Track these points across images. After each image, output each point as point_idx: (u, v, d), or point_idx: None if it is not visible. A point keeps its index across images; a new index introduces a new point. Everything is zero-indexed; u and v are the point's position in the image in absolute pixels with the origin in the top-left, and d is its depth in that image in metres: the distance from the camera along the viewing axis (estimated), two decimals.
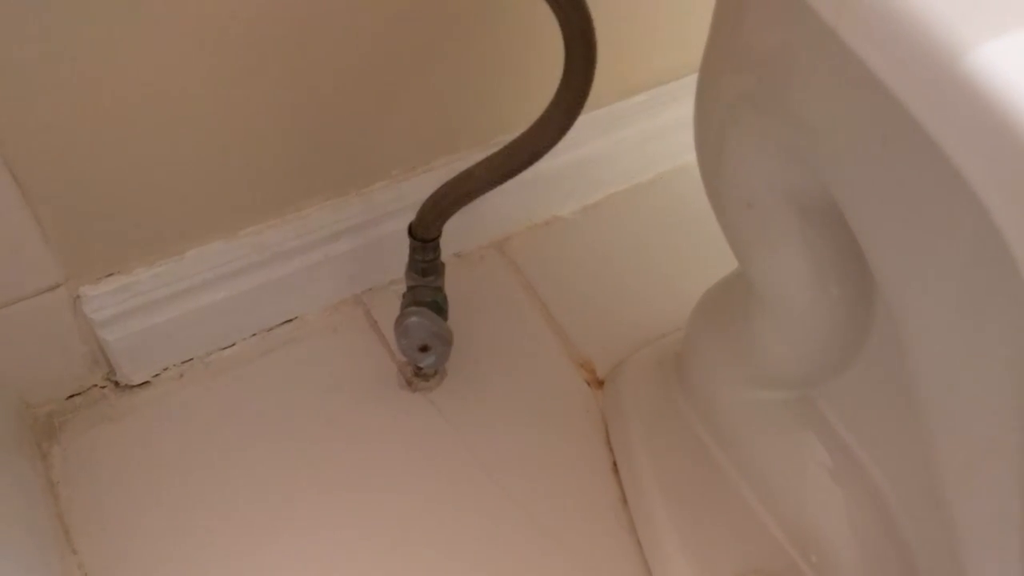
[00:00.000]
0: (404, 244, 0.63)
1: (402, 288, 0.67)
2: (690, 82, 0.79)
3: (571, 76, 0.50)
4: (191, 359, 0.71)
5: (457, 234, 0.72)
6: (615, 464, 0.68)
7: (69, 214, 0.58)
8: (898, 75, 0.25)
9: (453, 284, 0.68)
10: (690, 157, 0.83)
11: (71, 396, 0.69)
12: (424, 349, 0.66)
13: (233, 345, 0.72)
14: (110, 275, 0.63)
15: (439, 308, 0.64)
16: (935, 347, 0.39)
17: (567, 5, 0.47)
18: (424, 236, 0.61)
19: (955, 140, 0.24)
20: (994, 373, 0.36)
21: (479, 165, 0.56)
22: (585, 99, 0.51)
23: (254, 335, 0.73)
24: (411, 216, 0.62)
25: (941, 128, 0.25)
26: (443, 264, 0.64)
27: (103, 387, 0.69)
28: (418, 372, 0.70)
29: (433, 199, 0.59)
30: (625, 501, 0.66)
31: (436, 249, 0.62)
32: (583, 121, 0.54)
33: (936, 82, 0.24)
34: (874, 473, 0.55)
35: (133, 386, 0.70)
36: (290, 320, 0.74)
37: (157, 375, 0.70)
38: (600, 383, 0.73)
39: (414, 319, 0.63)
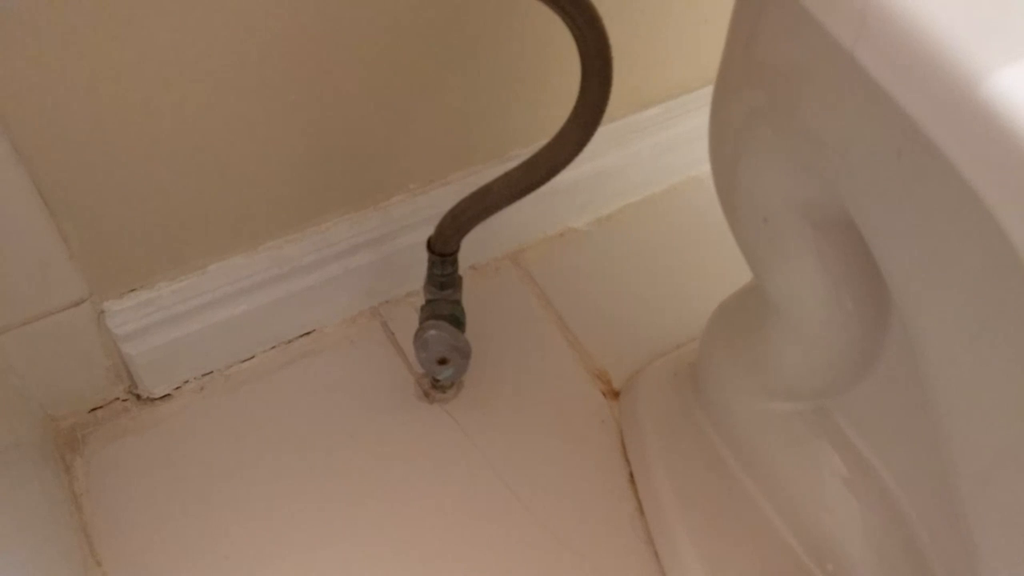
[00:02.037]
0: (421, 257, 0.64)
1: (419, 300, 0.67)
2: (703, 95, 0.81)
3: (588, 92, 0.51)
4: (211, 372, 0.72)
5: (472, 247, 0.73)
6: (632, 474, 0.69)
7: (94, 231, 0.59)
8: (915, 98, 0.26)
9: (469, 296, 0.68)
10: (703, 169, 0.84)
11: (94, 409, 0.70)
12: (443, 362, 0.66)
13: (253, 358, 0.73)
14: (133, 290, 0.64)
15: (457, 321, 0.65)
16: (950, 358, 0.39)
17: (583, 23, 0.48)
18: (443, 250, 0.62)
19: (971, 161, 0.25)
20: (1009, 383, 0.37)
21: (497, 180, 0.57)
22: (602, 115, 0.52)
23: (273, 348, 0.74)
24: (428, 229, 0.63)
25: (958, 150, 0.25)
26: (461, 277, 0.65)
27: (125, 400, 0.70)
28: (435, 384, 0.71)
29: (452, 214, 0.60)
30: (642, 511, 0.67)
31: (454, 263, 0.63)
32: (597, 133, 0.54)
33: (953, 106, 0.24)
34: (889, 483, 0.55)
35: (154, 399, 0.71)
36: (308, 333, 0.75)
37: (178, 388, 0.71)
38: (616, 394, 0.73)
39: (433, 332, 0.64)
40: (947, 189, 0.31)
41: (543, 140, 0.55)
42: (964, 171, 0.25)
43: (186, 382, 0.71)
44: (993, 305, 0.34)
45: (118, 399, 0.70)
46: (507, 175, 0.56)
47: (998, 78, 0.23)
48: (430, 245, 0.62)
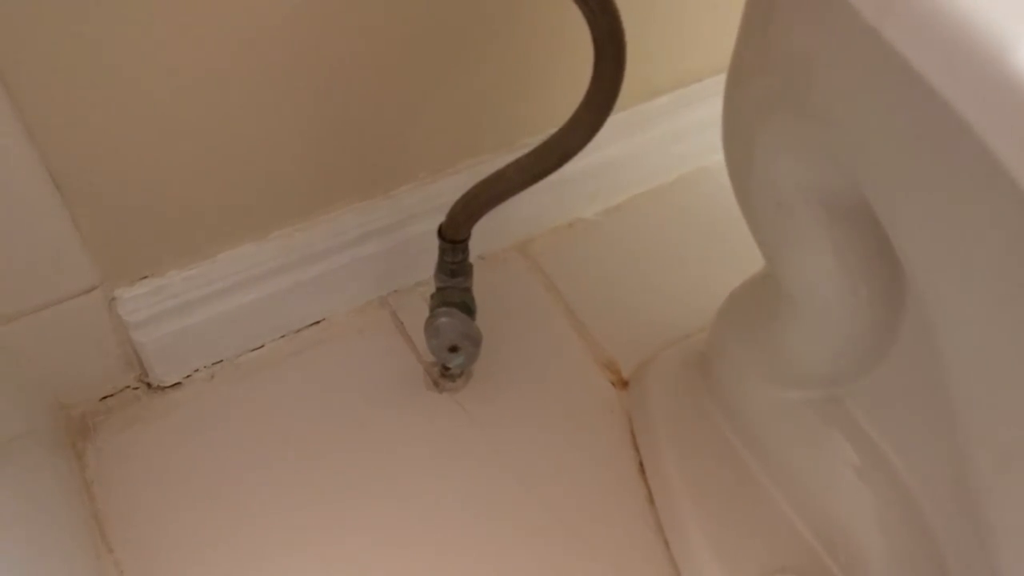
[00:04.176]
0: (430, 246, 0.64)
1: (428, 290, 0.67)
2: (713, 83, 0.81)
3: (601, 77, 0.51)
4: (221, 360, 0.72)
5: (481, 237, 0.72)
6: (641, 464, 0.69)
7: (106, 218, 0.59)
8: (944, 74, 0.26)
9: (477, 287, 0.68)
10: (713, 158, 0.84)
11: (105, 397, 0.70)
12: (453, 349, 0.66)
13: (262, 347, 0.73)
14: (144, 278, 0.64)
15: (468, 309, 0.65)
16: (969, 344, 0.39)
17: (596, 6, 0.47)
18: (454, 237, 0.62)
19: (1001, 137, 0.25)
20: None
21: (510, 167, 0.57)
22: (615, 99, 0.52)
23: (283, 336, 0.74)
24: (438, 218, 0.63)
25: (987, 125, 0.25)
26: (471, 265, 0.65)
27: (136, 388, 0.70)
28: (445, 373, 0.71)
29: (464, 201, 0.60)
30: (652, 501, 0.67)
31: (465, 250, 0.63)
32: (606, 123, 0.54)
33: (983, 80, 0.24)
34: (902, 472, 0.55)
35: (165, 387, 0.71)
36: (318, 322, 0.75)
37: (188, 376, 0.71)
38: (625, 383, 0.73)
39: (444, 319, 0.63)
40: (973, 170, 0.31)
41: (552, 129, 0.55)
42: (995, 149, 0.25)
43: (196, 371, 0.71)
44: (1016, 287, 0.34)
45: (129, 387, 0.70)
46: (519, 161, 0.56)
47: None
48: (441, 232, 0.62)
